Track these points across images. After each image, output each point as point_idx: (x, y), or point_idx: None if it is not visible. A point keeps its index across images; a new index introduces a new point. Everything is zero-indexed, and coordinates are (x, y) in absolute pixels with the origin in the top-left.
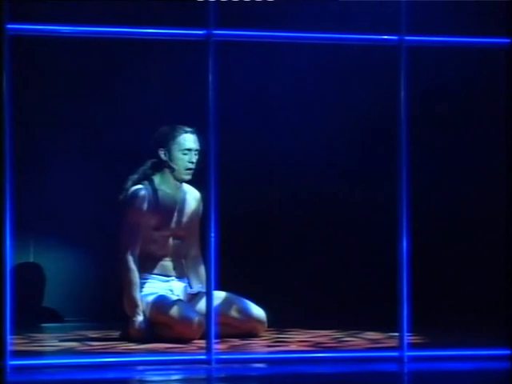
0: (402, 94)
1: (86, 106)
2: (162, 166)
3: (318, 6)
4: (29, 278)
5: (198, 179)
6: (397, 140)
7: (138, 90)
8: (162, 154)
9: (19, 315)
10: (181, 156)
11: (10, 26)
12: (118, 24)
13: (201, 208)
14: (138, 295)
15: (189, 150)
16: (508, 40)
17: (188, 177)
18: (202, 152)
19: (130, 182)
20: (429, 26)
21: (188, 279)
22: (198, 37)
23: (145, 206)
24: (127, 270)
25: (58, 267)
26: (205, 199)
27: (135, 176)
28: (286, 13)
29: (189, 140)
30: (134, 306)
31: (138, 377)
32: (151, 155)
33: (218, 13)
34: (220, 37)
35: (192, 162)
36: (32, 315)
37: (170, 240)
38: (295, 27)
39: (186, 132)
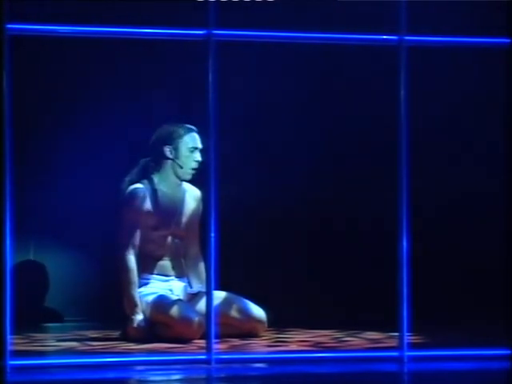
0: (402, 93)
1: (86, 105)
2: (160, 165)
3: (318, 6)
4: (28, 279)
5: (198, 179)
6: (397, 140)
7: (138, 90)
8: (167, 151)
9: (19, 314)
10: (188, 154)
11: (10, 25)
12: (118, 24)
13: (201, 207)
14: (136, 294)
15: (195, 148)
16: (508, 40)
17: (190, 176)
18: (203, 151)
19: (128, 182)
20: (429, 26)
21: (188, 279)
22: (197, 37)
23: (143, 205)
24: (125, 269)
25: (57, 267)
26: (205, 198)
27: (133, 175)
28: (286, 13)
29: (195, 139)
30: (133, 305)
31: (137, 377)
32: (154, 152)
33: (217, 13)
34: (220, 37)
35: (198, 161)
36: (32, 315)
37: (169, 239)
38: (295, 27)
39: (192, 131)
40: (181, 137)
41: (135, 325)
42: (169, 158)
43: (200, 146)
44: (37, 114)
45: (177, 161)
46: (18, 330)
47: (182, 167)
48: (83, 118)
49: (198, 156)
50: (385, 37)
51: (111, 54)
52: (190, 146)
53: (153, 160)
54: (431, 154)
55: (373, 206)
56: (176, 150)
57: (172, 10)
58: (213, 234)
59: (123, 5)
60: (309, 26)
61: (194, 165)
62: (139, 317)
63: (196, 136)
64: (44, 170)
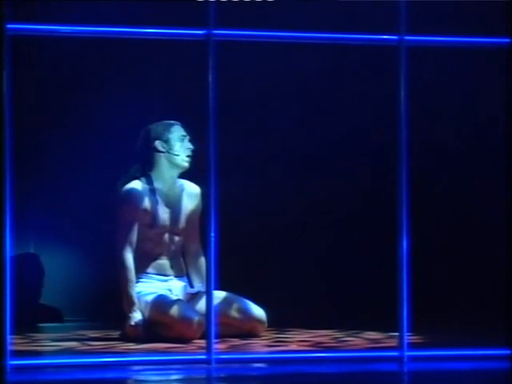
0: (402, 93)
1: (86, 105)
2: (154, 163)
3: (318, 6)
4: (27, 279)
5: (198, 178)
6: (397, 140)
7: (138, 90)
8: (159, 145)
9: (18, 314)
10: (180, 142)
11: (10, 25)
12: (118, 24)
13: (200, 204)
14: (134, 293)
15: (184, 136)
16: (508, 40)
17: (187, 164)
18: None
19: (124, 180)
20: (428, 26)
21: (188, 277)
22: (198, 37)
23: (139, 203)
24: (123, 267)
25: (56, 267)
26: (205, 198)
27: (129, 174)
28: (286, 13)
29: (181, 128)
30: (131, 303)
31: (137, 377)
32: (146, 151)
33: (217, 13)
34: (220, 37)
35: (190, 148)
36: (31, 315)
37: (166, 238)
38: (295, 27)
39: (175, 123)
40: (168, 129)
41: (132, 323)
42: (162, 151)
43: (187, 134)
44: (36, 112)
45: (171, 151)
46: (18, 329)
47: (178, 155)
48: (83, 117)
49: (189, 144)
50: (385, 37)
51: (111, 53)
52: (180, 134)
53: (146, 159)
54: (431, 153)
55: (373, 206)
56: (167, 141)
57: (172, 9)
58: (213, 234)
59: (123, 5)
60: (309, 26)
61: (188, 152)
62: (137, 315)
63: (180, 126)
64: (43, 169)
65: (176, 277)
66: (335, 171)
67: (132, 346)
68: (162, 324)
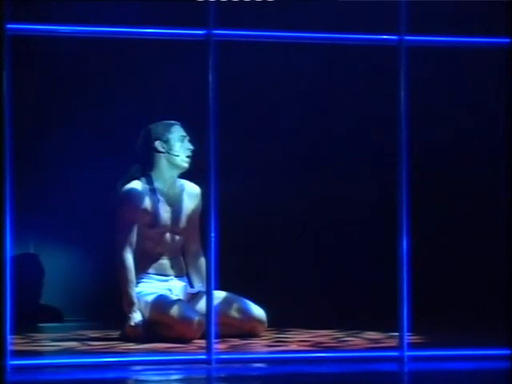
0: (402, 93)
1: (86, 105)
2: (154, 163)
3: (318, 6)
4: (27, 279)
5: (198, 178)
6: (397, 140)
7: (138, 90)
8: (159, 146)
9: (18, 313)
10: (180, 143)
11: (10, 25)
12: (118, 24)
13: (200, 204)
14: (134, 293)
15: (184, 136)
16: (508, 40)
17: (187, 164)
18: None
19: (124, 180)
20: (428, 26)
21: (188, 277)
22: (198, 37)
23: (139, 203)
24: (123, 267)
25: (57, 267)
26: (205, 197)
27: (129, 174)
28: (286, 13)
29: (181, 129)
30: (130, 303)
31: (137, 377)
32: (146, 151)
33: (217, 13)
34: (220, 37)
35: (190, 149)
36: (31, 315)
37: (167, 238)
38: (295, 27)
39: (175, 123)
40: (168, 129)
41: (132, 323)
42: (162, 152)
43: (186, 134)
44: (36, 112)
45: (171, 152)
46: (18, 330)
47: (178, 155)
48: (83, 118)
49: (189, 144)
50: (385, 37)
51: (111, 53)
52: (180, 134)
53: (146, 159)
54: (431, 153)
55: (373, 206)
56: (167, 142)
57: (172, 9)
58: (213, 234)
59: (123, 5)
60: (309, 26)
61: (188, 152)
62: (136, 315)
63: (180, 127)
64: (43, 169)
65: (176, 277)
66: (335, 171)
67: (132, 345)
68: (162, 324)
